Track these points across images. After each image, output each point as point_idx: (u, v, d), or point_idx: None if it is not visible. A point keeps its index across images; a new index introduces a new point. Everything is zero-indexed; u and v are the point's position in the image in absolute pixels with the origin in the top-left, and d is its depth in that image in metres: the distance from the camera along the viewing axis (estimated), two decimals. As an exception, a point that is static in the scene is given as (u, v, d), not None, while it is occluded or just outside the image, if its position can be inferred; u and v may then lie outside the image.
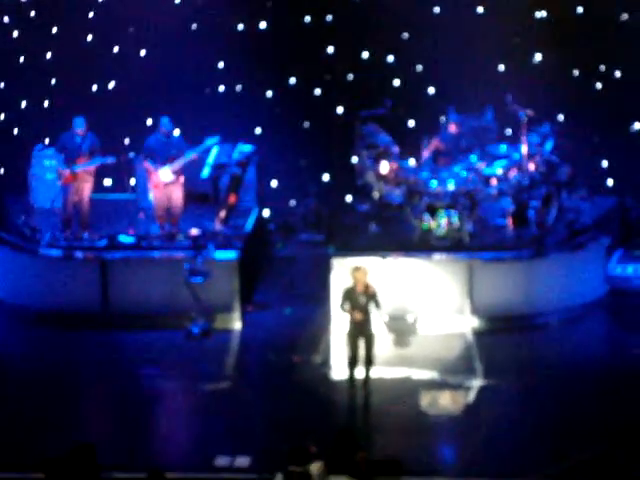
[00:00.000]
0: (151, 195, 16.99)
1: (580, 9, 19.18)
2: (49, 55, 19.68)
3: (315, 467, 11.08)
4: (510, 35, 18.86)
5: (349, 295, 14.29)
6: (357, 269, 14.37)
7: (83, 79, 19.50)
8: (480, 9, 19.30)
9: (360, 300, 14.24)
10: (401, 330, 16.09)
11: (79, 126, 16.96)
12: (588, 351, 15.84)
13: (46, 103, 19.67)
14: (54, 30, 19.64)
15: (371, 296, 14.26)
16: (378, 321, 14.49)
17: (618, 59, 19.13)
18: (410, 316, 16.25)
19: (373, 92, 19.06)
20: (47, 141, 18.75)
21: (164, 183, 16.77)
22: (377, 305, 14.29)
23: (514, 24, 18.99)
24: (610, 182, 19.37)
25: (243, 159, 17.56)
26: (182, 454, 13.40)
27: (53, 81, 19.73)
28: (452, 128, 17.57)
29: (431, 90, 19.50)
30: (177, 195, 16.93)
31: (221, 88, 19.58)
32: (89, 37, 19.63)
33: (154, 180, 16.84)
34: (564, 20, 19.08)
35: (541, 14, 19.29)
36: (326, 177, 19.82)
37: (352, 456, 11.02)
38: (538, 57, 19.24)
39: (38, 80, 19.56)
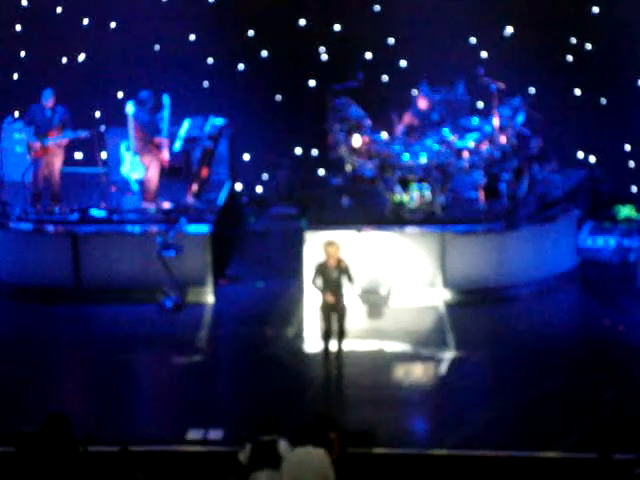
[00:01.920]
0: (152, 172, 16.81)
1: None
2: (18, 27, 19.50)
3: (283, 443, 11.14)
4: (481, 8, 18.83)
5: (321, 270, 14.30)
6: (330, 244, 14.38)
7: (52, 51, 19.33)
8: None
9: (332, 274, 14.26)
10: (374, 303, 16.14)
11: (47, 98, 16.84)
12: (559, 323, 15.95)
13: (15, 75, 19.50)
14: (23, 2, 19.44)
15: (343, 270, 14.27)
16: (351, 294, 14.52)
17: (589, 31, 19.15)
18: (383, 289, 16.29)
19: (345, 65, 19.03)
20: (17, 114, 18.60)
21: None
22: (350, 279, 14.31)
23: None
24: (580, 154, 19.45)
25: (215, 132, 17.49)
26: (155, 427, 13.39)
27: (22, 54, 19.56)
28: (422, 103, 17.57)
29: (403, 63, 19.47)
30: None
31: (193, 61, 19.45)
32: (58, 9, 19.45)
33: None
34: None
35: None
36: (298, 150, 19.79)
37: (325, 436, 11.04)
38: (509, 30, 19.23)
39: (7, 52, 19.38)
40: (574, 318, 16.39)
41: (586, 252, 17.33)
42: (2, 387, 14.13)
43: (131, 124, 16.97)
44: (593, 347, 15.12)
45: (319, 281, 14.31)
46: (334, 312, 14.34)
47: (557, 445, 12.63)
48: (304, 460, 10.94)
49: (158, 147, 16.89)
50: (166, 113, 16.95)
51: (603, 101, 19.26)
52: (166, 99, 16.94)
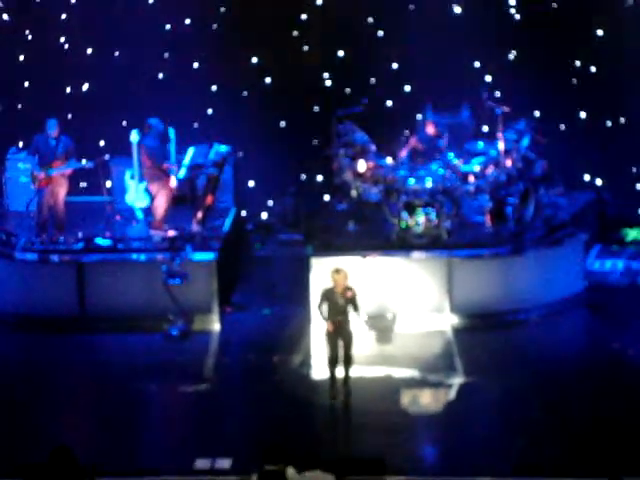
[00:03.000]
0: (160, 198, 16.79)
1: (554, 5, 19.16)
2: (21, 57, 19.53)
3: (291, 470, 11.02)
4: (485, 32, 18.84)
5: (328, 296, 14.22)
6: (337, 271, 14.28)
7: (56, 81, 19.36)
8: (457, 9, 19.27)
9: (339, 302, 14.18)
10: (380, 328, 16.05)
11: (52, 128, 16.85)
12: (568, 347, 15.85)
13: (19, 106, 19.53)
14: (27, 32, 19.48)
15: (350, 299, 14.19)
16: (357, 321, 14.44)
17: (593, 54, 19.14)
18: (389, 314, 16.21)
19: (349, 91, 19.05)
20: (20, 144, 18.60)
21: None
22: (356, 308, 14.23)
23: (490, 21, 18.99)
24: (587, 177, 19.40)
25: (219, 159, 17.47)
26: (162, 457, 13.31)
27: (26, 84, 19.59)
28: (429, 129, 17.52)
29: (407, 88, 19.46)
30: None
31: (196, 88, 19.47)
32: (61, 39, 19.49)
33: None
34: (539, 16, 19.07)
35: (516, 11, 19.29)
36: (303, 176, 19.76)
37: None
38: (513, 54, 19.23)
39: (10, 82, 19.41)
40: (583, 342, 16.29)
41: (594, 275, 17.26)
42: (8, 417, 14.07)
43: (136, 152, 16.96)
44: (602, 371, 15.02)
45: (325, 307, 14.22)
46: (340, 339, 14.25)
47: (567, 471, 12.51)
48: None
49: (167, 173, 16.85)
50: (172, 146, 16.96)
51: (609, 124, 19.22)
52: (171, 132, 16.96)
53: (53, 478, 10.90)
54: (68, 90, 19.55)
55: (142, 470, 12.65)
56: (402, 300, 16.25)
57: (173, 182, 16.88)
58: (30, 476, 11.14)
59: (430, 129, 17.50)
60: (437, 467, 13.10)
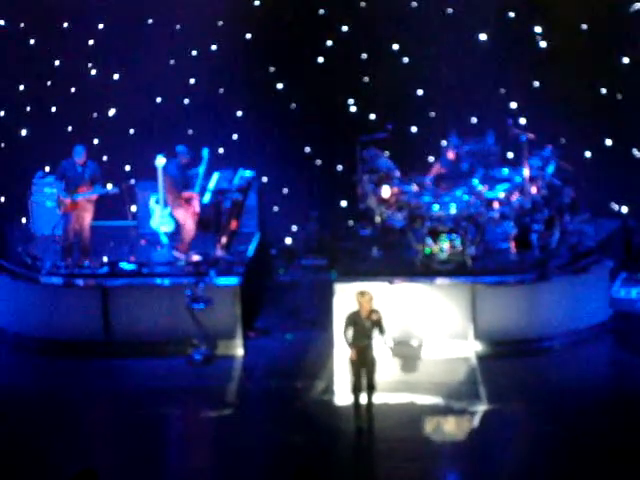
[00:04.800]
0: (189, 223, 16.85)
1: (582, 28, 19.13)
2: (49, 83, 19.67)
3: None
4: (510, 58, 18.85)
5: (353, 320, 14.18)
6: (362, 294, 14.25)
7: (83, 106, 19.48)
8: (483, 36, 19.29)
9: (365, 325, 14.14)
10: (406, 355, 16.00)
11: (79, 155, 16.95)
12: (593, 375, 15.73)
13: (46, 131, 19.66)
14: (54, 59, 19.62)
15: (376, 322, 14.15)
16: (382, 346, 14.39)
17: (619, 82, 19.09)
18: (414, 341, 16.16)
19: (374, 117, 19.07)
20: (47, 169, 18.71)
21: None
22: (381, 331, 14.18)
23: (515, 48, 18.99)
24: (613, 205, 19.31)
25: (244, 184, 17.52)
26: (185, 482, 13.31)
27: (53, 109, 19.72)
28: (449, 154, 17.56)
29: (432, 114, 19.46)
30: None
31: (222, 114, 19.54)
32: (89, 64, 19.62)
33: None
34: (564, 43, 19.05)
35: (542, 38, 19.28)
36: (328, 202, 19.75)
37: None
38: (539, 81, 19.22)
39: (38, 107, 19.54)
40: (607, 370, 16.17)
41: (619, 303, 17.13)
42: (32, 441, 14.08)
43: (161, 177, 17.03)
44: (627, 400, 14.89)
45: (350, 332, 14.16)
46: (363, 365, 14.20)
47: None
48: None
49: (187, 201, 16.93)
50: (202, 167, 17.00)
51: (635, 152, 19.15)
52: (205, 153, 17.00)
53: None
54: (95, 115, 19.65)
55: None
56: (426, 326, 16.20)
57: (196, 208, 16.94)
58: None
59: (450, 154, 17.52)
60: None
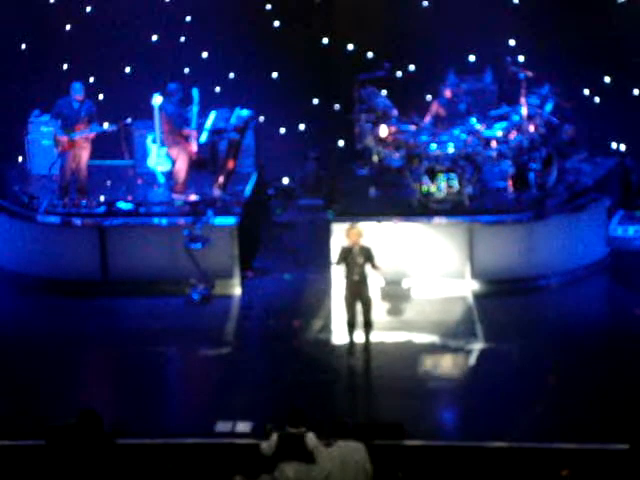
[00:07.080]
0: (180, 163, 16.80)
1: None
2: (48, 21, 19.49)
3: (310, 435, 11.08)
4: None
5: (346, 253, 14.22)
6: (350, 227, 14.34)
7: (79, 44, 19.31)
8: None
9: (357, 260, 14.18)
10: (396, 295, 16.01)
11: (78, 92, 16.85)
12: (589, 313, 15.80)
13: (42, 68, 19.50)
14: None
15: (366, 254, 14.17)
16: (375, 282, 14.42)
17: (617, 18, 18.93)
18: (405, 282, 16.16)
19: (372, 55, 18.93)
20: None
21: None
22: (373, 265, 14.20)
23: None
24: (612, 143, 19.24)
25: (241, 124, 17.43)
26: (183, 420, 13.39)
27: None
28: (447, 93, 17.46)
29: (430, 52, 19.32)
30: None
31: (218, 52, 19.40)
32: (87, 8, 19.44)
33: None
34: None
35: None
36: (325, 141, 19.67)
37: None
38: (537, 18, 19.05)
39: (35, 44, 19.37)
40: (604, 308, 16.23)
41: (616, 241, 17.15)
42: (31, 381, 14.15)
43: (158, 116, 16.95)
44: (623, 337, 14.96)
45: (342, 265, 14.21)
46: (359, 303, 14.26)
47: (586, 436, 12.50)
48: (346, 453, 11.01)
49: (186, 139, 16.86)
50: (195, 107, 16.91)
51: (635, 91, 19.04)
52: (195, 93, 16.91)
53: (78, 439, 11.01)
54: (90, 53, 19.49)
55: (163, 432, 12.74)
56: (423, 266, 16.22)
57: (193, 147, 16.87)
58: (55, 438, 11.22)
59: (447, 93, 17.42)
60: (456, 432, 13.13)
